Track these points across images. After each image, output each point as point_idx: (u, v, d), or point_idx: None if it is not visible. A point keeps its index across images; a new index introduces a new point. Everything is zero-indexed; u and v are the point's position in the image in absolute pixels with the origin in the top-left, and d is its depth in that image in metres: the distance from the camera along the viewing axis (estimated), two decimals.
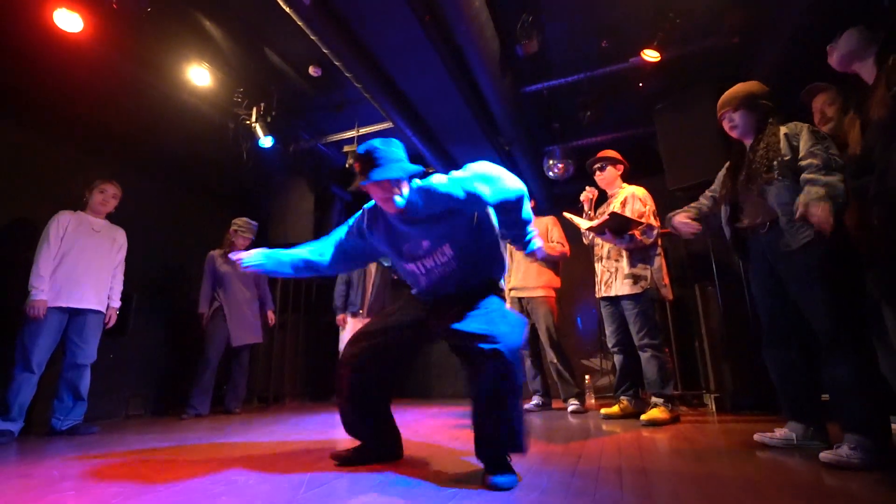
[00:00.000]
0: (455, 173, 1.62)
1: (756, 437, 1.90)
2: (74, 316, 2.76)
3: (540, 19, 3.10)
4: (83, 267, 2.78)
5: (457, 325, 1.51)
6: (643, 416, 2.53)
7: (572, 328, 4.45)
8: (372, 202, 1.73)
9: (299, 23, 2.73)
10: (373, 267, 4.43)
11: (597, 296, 2.93)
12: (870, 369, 1.54)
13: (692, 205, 2.17)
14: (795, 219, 1.62)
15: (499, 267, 1.80)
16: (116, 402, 3.49)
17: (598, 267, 2.94)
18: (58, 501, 1.30)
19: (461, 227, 1.64)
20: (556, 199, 5.05)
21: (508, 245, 3.59)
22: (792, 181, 1.72)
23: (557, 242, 3.42)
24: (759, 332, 1.96)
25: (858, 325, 1.58)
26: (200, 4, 3.02)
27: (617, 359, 2.90)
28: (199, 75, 3.43)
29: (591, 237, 2.96)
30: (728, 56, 3.25)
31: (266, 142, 3.91)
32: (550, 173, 4.44)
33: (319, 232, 4.67)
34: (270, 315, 3.93)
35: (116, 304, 2.98)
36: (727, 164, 2.09)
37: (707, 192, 2.17)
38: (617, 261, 2.80)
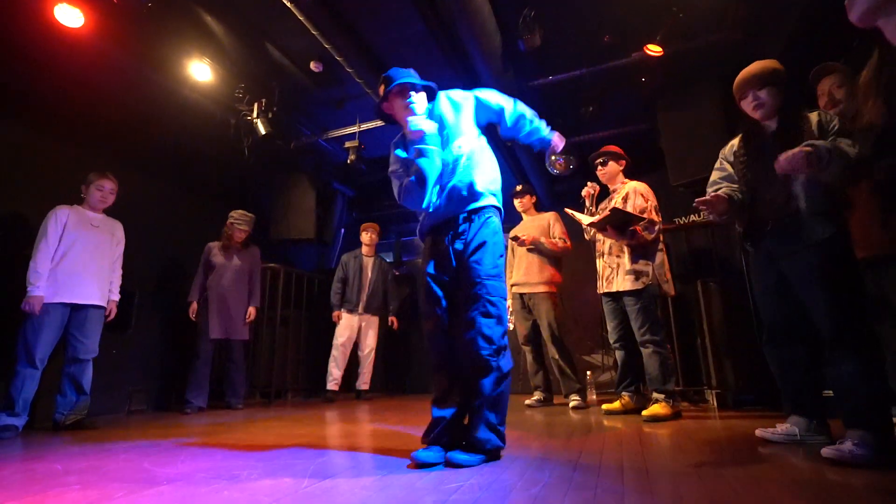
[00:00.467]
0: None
1: (758, 432, 1.90)
2: (76, 311, 2.77)
3: (542, 14, 3.09)
4: (83, 262, 2.78)
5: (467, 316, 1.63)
6: (644, 412, 2.54)
7: (574, 324, 4.45)
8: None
9: (300, 18, 2.72)
10: (369, 264, 4.43)
11: (598, 292, 2.93)
12: (874, 366, 1.53)
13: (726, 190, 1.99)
14: (779, 160, 1.58)
15: (496, 181, 1.85)
16: (119, 397, 3.50)
17: (599, 263, 2.94)
18: (62, 495, 1.31)
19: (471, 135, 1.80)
20: (558, 195, 5.05)
21: (510, 241, 3.59)
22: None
23: (559, 238, 3.42)
24: (761, 328, 1.95)
25: (863, 323, 1.58)
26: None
27: (618, 355, 2.91)
28: (200, 71, 3.43)
29: (592, 233, 2.95)
30: (731, 52, 3.23)
31: (264, 128, 3.86)
32: (552, 169, 4.43)
33: (321, 228, 4.68)
34: (251, 311, 3.89)
35: (116, 297, 2.99)
36: (734, 143, 1.98)
37: (723, 185, 2.01)
38: (618, 256, 2.80)
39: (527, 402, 3.38)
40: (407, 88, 1.77)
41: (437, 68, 3.27)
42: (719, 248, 3.32)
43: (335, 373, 4.24)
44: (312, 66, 3.54)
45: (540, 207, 3.77)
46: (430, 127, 1.71)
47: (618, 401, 2.84)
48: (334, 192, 5.13)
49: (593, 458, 1.63)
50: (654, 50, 3.13)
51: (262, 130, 3.85)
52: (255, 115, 3.84)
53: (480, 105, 1.90)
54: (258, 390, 4.51)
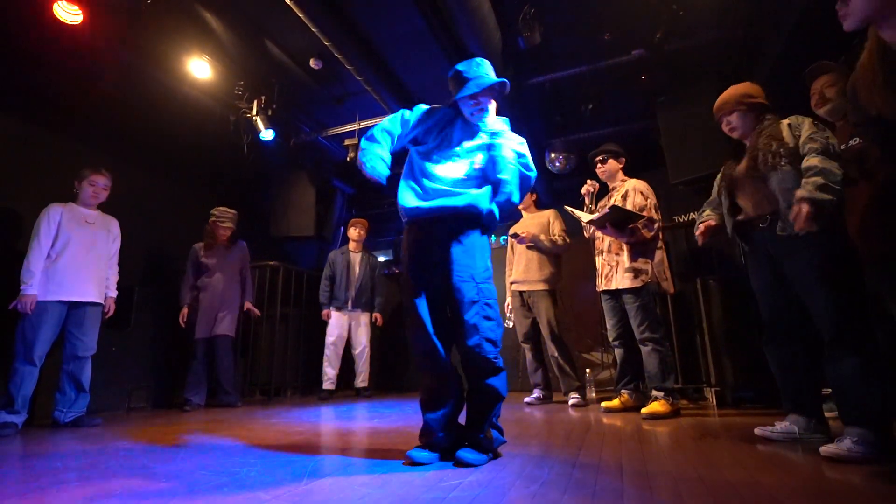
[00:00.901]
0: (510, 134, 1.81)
1: (757, 430, 1.90)
2: (73, 309, 2.76)
3: (542, 11, 3.08)
4: (80, 259, 2.78)
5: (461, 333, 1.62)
6: (644, 410, 2.54)
7: (573, 322, 4.45)
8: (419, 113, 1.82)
9: (300, 15, 2.71)
10: (357, 260, 4.41)
11: (597, 289, 2.93)
12: (873, 364, 1.54)
13: (710, 212, 2.14)
14: (790, 218, 1.62)
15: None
16: (119, 394, 3.50)
17: (598, 260, 2.93)
18: (62, 492, 1.31)
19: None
20: (557, 192, 5.04)
21: (510, 239, 3.59)
22: (795, 168, 1.71)
23: (559, 236, 3.42)
24: (760, 326, 1.96)
25: (862, 320, 1.58)
26: None
27: (618, 352, 2.91)
28: (199, 68, 3.42)
29: (592, 231, 2.95)
30: (731, 49, 3.23)
31: (267, 135, 3.90)
32: (552, 166, 4.43)
33: (321, 225, 4.68)
34: (248, 305, 3.86)
35: (113, 293, 2.98)
36: (725, 164, 2.08)
37: (706, 212, 2.15)
38: (618, 254, 2.80)
39: (526, 399, 3.39)
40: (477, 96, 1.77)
41: (437, 65, 3.26)
42: (719, 245, 3.32)
43: (329, 372, 4.25)
44: (312, 63, 3.53)
45: (539, 205, 3.76)
46: None
47: (617, 398, 2.85)
48: (334, 190, 5.12)
49: (592, 456, 1.64)
50: (652, 49, 3.12)
51: (262, 127, 3.84)
52: (254, 112, 3.83)
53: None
54: (258, 388, 4.52)
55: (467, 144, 1.77)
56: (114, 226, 3.03)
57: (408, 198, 1.72)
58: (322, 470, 1.54)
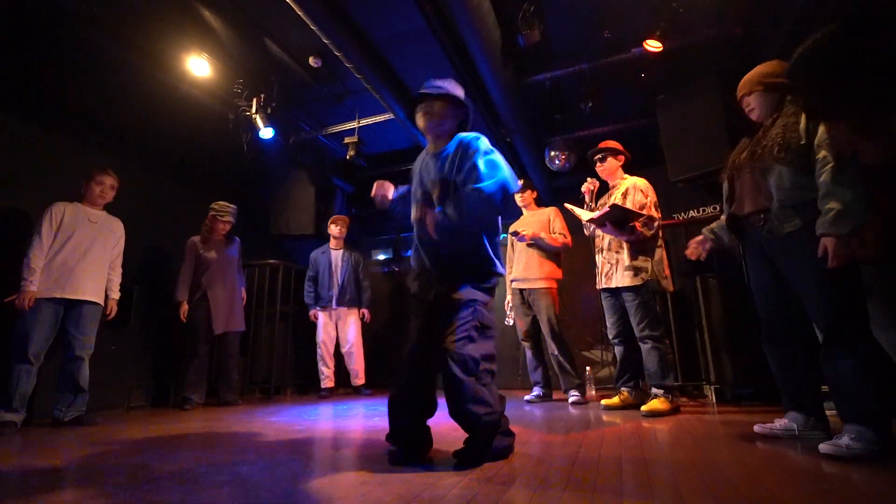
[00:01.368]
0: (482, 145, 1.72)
1: (756, 427, 1.91)
2: (71, 307, 2.76)
3: (542, 9, 3.07)
4: (80, 258, 2.77)
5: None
6: (643, 407, 2.54)
7: (573, 319, 4.45)
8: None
9: (299, 12, 2.70)
10: (339, 257, 4.40)
11: (597, 287, 2.93)
12: (871, 361, 1.54)
13: (711, 226, 2.13)
14: (819, 254, 1.57)
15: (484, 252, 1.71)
16: (118, 393, 3.50)
17: (598, 258, 2.93)
18: (62, 491, 1.31)
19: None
20: (557, 190, 5.04)
21: (510, 236, 3.59)
22: (797, 169, 1.66)
23: (559, 234, 3.42)
24: (759, 324, 1.96)
25: (859, 318, 1.58)
26: None
27: (617, 350, 2.91)
28: (198, 66, 3.41)
29: (592, 229, 2.95)
30: (731, 46, 3.22)
31: (266, 133, 3.89)
32: (552, 164, 4.43)
33: (321, 224, 4.68)
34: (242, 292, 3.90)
35: (116, 295, 2.98)
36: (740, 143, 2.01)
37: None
38: (618, 252, 2.80)
39: (526, 397, 3.39)
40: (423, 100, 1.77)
41: (436, 64, 3.25)
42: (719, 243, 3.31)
43: (325, 371, 4.26)
44: (311, 61, 3.52)
45: (539, 203, 3.76)
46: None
47: (617, 396, 2.85)
48: (334, 188, 5.11)
49: (592, 453, 1.64)
50: (653, 46, 3.12)
51: (262, 126, 3.84)
52: (254, 110, 3.82)
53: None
54: (257, 386, 4.52)
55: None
56: (118, 227, 3.03)
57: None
58: (322, 467, 1.54)
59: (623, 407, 2.79)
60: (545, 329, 3.30)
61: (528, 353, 3.48)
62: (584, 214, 2.83)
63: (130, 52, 3.19)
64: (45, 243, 2.68)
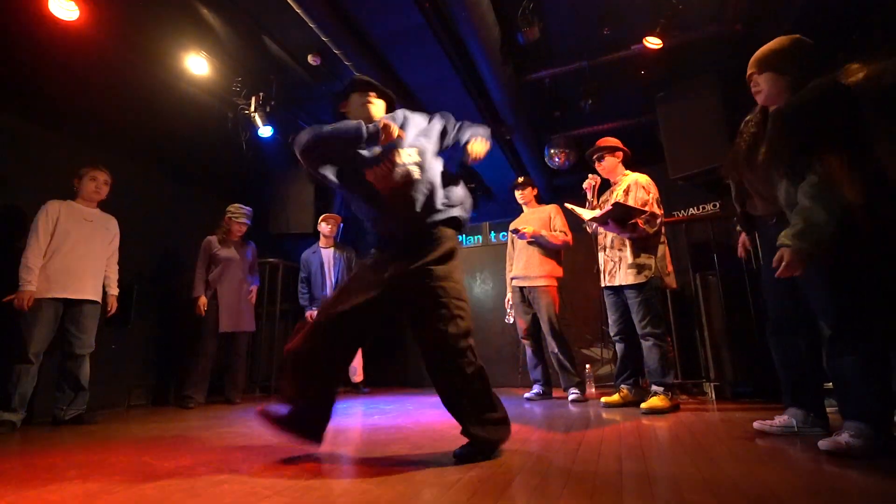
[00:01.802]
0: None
1: (755, 424, 1.91)
2: (70, 306, 2.75)
3: (541, 6, 3.07)
4: (77, 257, 2.77)
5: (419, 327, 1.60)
6: (643, 405, 2.55)
7: (573, 317, 4.45)
8: None
9: (298, 10, 2.69)
10: (330, 256, 4.38)
11: (601, 285, 2.92)
12: (873, 360, 1.53)
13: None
14: (773, 263, 1.57)
15: (461, 201, 1.78)
16: (118, 392, 3.50)
17: (601, 256, 2.92)
18: (62, 489, 1.31)
19: (429, 147, 1.75)
20: (557, 189, 5.04)
21: (510, 234, 3.58)
22: (800, 179, 1.59)
23: (560, 231, 3.41)
24: (760, 321, 1.96)
25: (863, 317, 1.57)
26: None
27: (618, 347, 2.91)
28: (197, 64, 3.40)
29: (594, 227, 2.94)
30: (731, 43, 3.22)
31: (265, 131, 3.89)
32: (551, 163, 4.42)
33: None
34: (252, 290, 3.90)
35: (115, 291, 2.98)
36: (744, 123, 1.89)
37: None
38: (620, 250, 2.79)
39: (526, 395, 3.39)
40: (371, 89, 1.80)
41: (435, 62, 3.25)
42: (718, 241, 3.32)
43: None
44: (310, 59, 3.51)
45: (539, 200, 3.75)
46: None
47: (617, 394, 2.85)
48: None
49: (592, 451, 1.64)
50: (653, 42, 3.11)
51: (260, 124, 3.83)
52: (252, 108, 3.81)
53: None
54: (258, 385, 4.52)
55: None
56: (112, 224, 3.03)
57: None
58: (322, 466, 1.54)
59: (623, 404, 2.79)
60: (545, 327, 3.30)
61: (528, 352, 3.48)
62: (585, 213, 2.83)
63: (129, 50, 3.18)
64: (42, 243, 2.67)
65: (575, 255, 3.71)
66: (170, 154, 4.14)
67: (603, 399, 2.88)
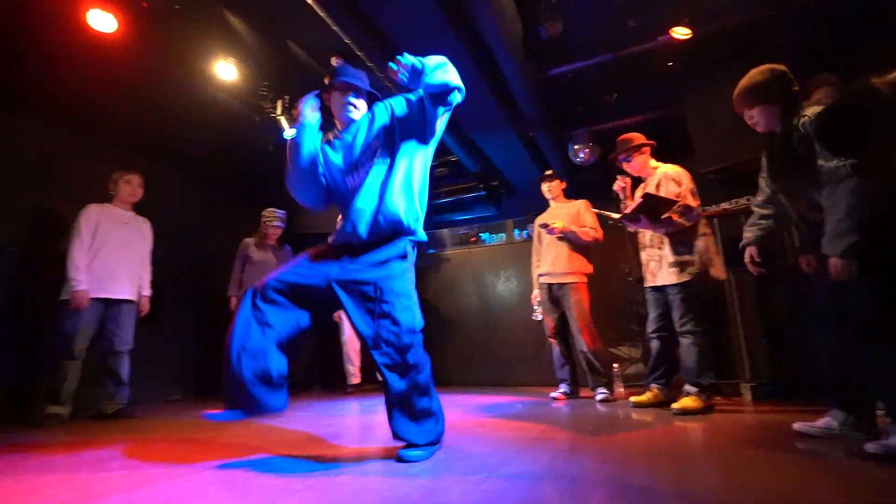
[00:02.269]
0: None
1: (796, 426, 1.83)
2: (110, 306, 2.88)
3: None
4: (116, 259, 2.90)
5: (351, 315, 1.62)
6: (675, 405, 2.48)
7: (599, 315, 4.37)
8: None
9: (321, 13, 2.73)
10: None
11: (644, 285, 2.84)
12: None
13: (754, 227, 2.05)
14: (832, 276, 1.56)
15: (413, 212, 1.76)
16: (156, 387, 3.64)
17: (643, 256, 2.83)
18: (108, 479, 1.37)
19: (389, 148, 1.74)
20: (581, 185, 4.95)
21: (537, 228, 3.51)
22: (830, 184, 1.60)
23: (590, 228, 3.33)
24: (800, 319, 1.89)
25: None
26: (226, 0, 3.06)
27: (654, 345, 2.83)
28: (225, 70, 3.49)
29: (632, 227, 2.86)
30: (763, 30, 3.10)
31: (290, 133, 3.96)
32: (575, 158, 4.35)
33: None
34: None
35: (148, 292, 3.10)
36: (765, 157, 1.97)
37: (759, 200, 2.04)
38: (660, 248, 2.68)
39: (552, 394, 3.35)
40: (350, 88, 1.79)
41: (456, 59, 3.21)
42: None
43: (350, 368, 4.30)
44: (333, 61, 3.56)
45: (566, 195, 3.66)
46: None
47: (647, 393, 2.79)
48: None
49: (622, 451, 1.61)
50: (681, 33, 3.02)
51: (286, 127, 3.91)
52: (278, 111, 3.89)
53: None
54: (290, 380, 4.61)
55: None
56: (146, 227, 3.16)
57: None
58: (351, 461, 1.56)
59: (653, 404, 2.72)
60: (574, 326, 3.24)
61: (556, 351, 3.41)
62: (615, 214, 2.73)
63: (161, 58, 3.29)
64: (85, 243, 2.80)
65: (601, 251, 3.62)
66: (200, 158, 4.28)
67: (632, 398, 2.82)
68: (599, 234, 3.32)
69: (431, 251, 5.65)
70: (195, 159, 4.26)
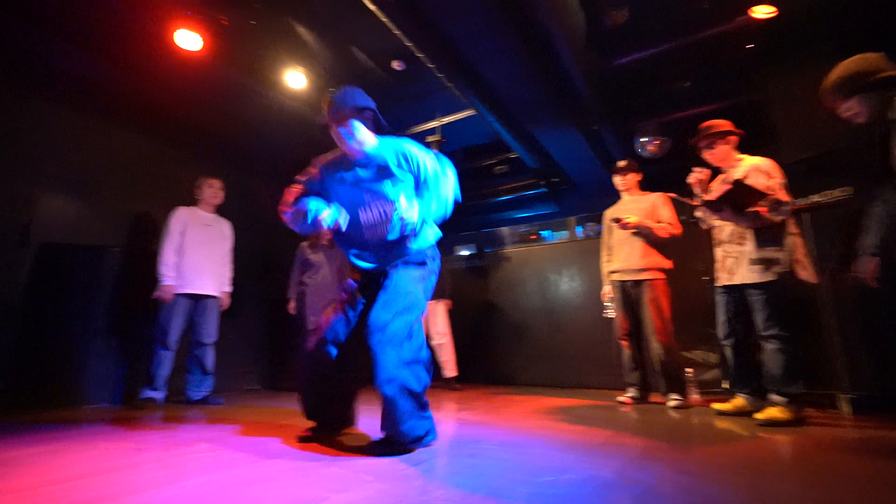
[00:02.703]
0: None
1: None
2: (197, 301, 3.15)
3: None
4: (201, 257, 3.16)
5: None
6: (760, 415, 2.28)
7: (673, 316, 4.13)
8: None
9: (383, 18, 2.80)
10: None
11: (716, 284, 2.66)
12: None
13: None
14: None
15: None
16: (235, 377, 3.92)
17: (718, 252, 2.63)
18: (197, 459, 1.50)
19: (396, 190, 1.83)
20: (648, 179, 4.69)
21: (608, 222, 3.37)
22: None
23: (667, 223, 3.13)
24: None
25: None
26: (294, 12, 3.23)
27: (728, 352, 2.63)
28: (295, 79, 3.70)
29: (708, 218, 2.67)
30: (853, 4, 2.77)
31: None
32: (642, 152, 4.14)
33: None
34: None
35: (229, 288, 3.34)
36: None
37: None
38: (740, 244, 2.48)
39: (619, 398, 3.21)
40: (335, 121, 1.82)
41: (515, 55, 3.18)
42: (852, 230, 2.87)
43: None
44: (395, 64, 3.65)
45: (642, 187, 3.46)
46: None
47: (730, 401, 2.59)
48: None
49: (700, 462, 1.51)
50: (764, 12, 2.77)
51: None
52: None
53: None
54: None
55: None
56: (227, 227, 3.42)
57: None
58: (419, 457, 1.59)
59: (736, 413, 2.53)
60: (649, 326, 3.07)
61: (626, 353, 3.25)
62: (697, 199, 2.53)
63: (239, 71, 3.54)
64: (174, 242, 3.08)
65: (674, 248, 3.41)
66: (273, 163, 4.57)
67: (715, 406, 2.63)
68: (678, 229, 3.09)
69: (489, 250, 5.63)
70: (269, 165, 4.56)
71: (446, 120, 4.36)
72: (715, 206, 2.43)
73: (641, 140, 4.11)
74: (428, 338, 4.44)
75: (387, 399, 1.60)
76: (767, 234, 2.40)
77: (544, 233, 5.57)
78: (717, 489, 1.21)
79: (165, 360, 2.97)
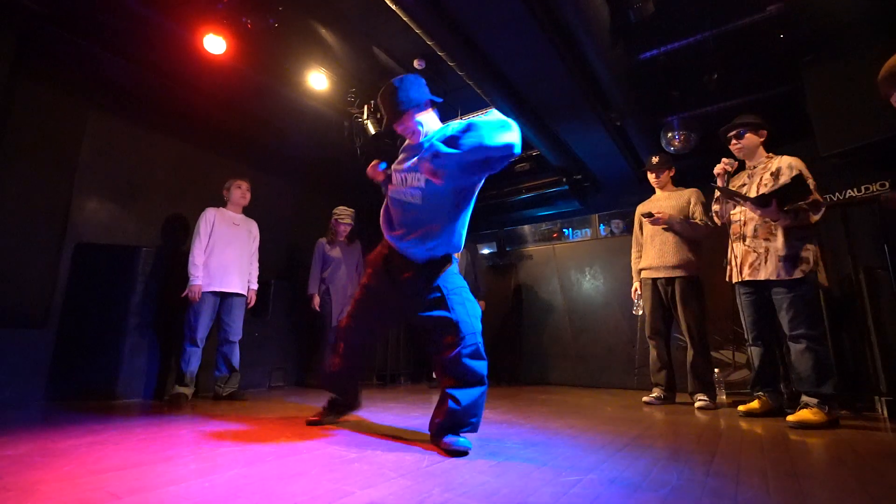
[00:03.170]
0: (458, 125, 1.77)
1: None
2: (224, 299, 3.23)
3: None
4: (228, 256, 3.24)
5: (423, 314, 1.78)
6: (791, 417, 2.22)
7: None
8: None
9: (405, 18, 2.81)
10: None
11: (734, 280, 2.59)
12: None
13: None
14: None
15: (458, 242, 1.90)
16: (261, 374, 4.01)
17: (738, 247, 2.58)
18: (226, 454, 1.54)
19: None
20: (675, 174, 4.60)
21: (639, 217, 3.32)
22: None
23: (701, 220, 3.05)
24: None
25: None
26: (316, 13, 3.28)
27: (755, 352, 2.57)
28: (317, 80, 3.75)
29: (727, 213, 2.61)
30: None
31: (373, 128, 4.10)
32: (669, 147, 4.05)
33: None
34: None
35: (255, 286, 3.42)
36: None
37: None
38: (767, 240, 2.43)
39: (645, 398, 3.16)
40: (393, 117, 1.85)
41: (538, 50, 3.15)
42: (887, 227, 2.76)
43: None
44: (416, 63, 3.66)
45: (676, 182, 3.39)
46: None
47: (755, 401, 2.53)
48: None
49: (729, 463, 1.48)
50: None
51: (372, 131, 4.09)
52: (365, 116, 4.09)
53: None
54: (374, 373, 4.85)
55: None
56: (254, 227, 3.50)
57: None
58: (443, 454, 1.60)
59: (763, 414, 2.46)
60: (683, 325, 3.00)
61: (654, 352, 3.18)
62: (745, 196, 2.43)
63: (263, 73, 3.61)
64: (203, 242, 3.17)
65: (702, 245, 3.32)
66: (298, 164, 4.67)
67: (741, 407, 2.57)
68: (712, 226, 3.00)
69: (511, 248, 5.60)
70: (294, 165, 4.66)
71: (467, 117, 4.35)
72: (760, 202, 2.36)
73: (668, 136, 4.02)
74: None
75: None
76: (799, 233, 2.34)
77: (566, 231, 5.50)
78: (748, 492, 1.18)
79: (194, 356, 3.06)
